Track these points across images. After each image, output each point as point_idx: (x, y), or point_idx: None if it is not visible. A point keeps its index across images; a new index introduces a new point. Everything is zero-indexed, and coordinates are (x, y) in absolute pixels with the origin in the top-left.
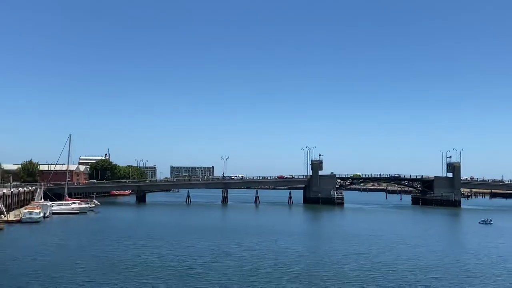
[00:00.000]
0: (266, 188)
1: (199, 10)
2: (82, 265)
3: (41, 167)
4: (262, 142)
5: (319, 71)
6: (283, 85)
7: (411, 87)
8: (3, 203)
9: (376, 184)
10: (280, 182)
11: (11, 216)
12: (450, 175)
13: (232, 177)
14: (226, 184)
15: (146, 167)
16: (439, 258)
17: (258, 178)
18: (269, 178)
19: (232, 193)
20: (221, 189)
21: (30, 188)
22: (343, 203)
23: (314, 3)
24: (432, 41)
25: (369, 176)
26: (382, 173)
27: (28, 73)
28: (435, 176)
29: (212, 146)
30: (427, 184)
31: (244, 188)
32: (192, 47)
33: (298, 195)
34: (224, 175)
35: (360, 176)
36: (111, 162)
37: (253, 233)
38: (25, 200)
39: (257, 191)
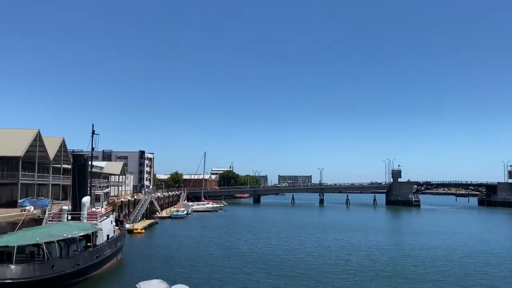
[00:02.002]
0: (354, 192)
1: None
2: (212, 252)
3: (184, 177)
4: (351, 154)
5: (390, 91)
6: (365, 106)
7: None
8: (158, 204)
9: (446, 189)
10: (366, 188)
11: (164, 213)
12: (511, 181)
13: (327, 184)
14: (322, 189)
15: (260, 176)
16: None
17: (347, 184)
18: (356, 184)
19: (327, 196)
20: (318, 193)
21: (176, 192)
22: (419, 205)
23: None
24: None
25: (441, 182)
26: (452, 180)
27: (183, 104)
28: (498, 182)
29: (310, 158)
30: (491, 188)
31: (336, 192)
32: (299, 65)
33: (380, 198)
34: (320, 182)
35: (432, 182)
36: (234, 172)
37: (346, 228)
38: (173, 201)
39: (347, 194)
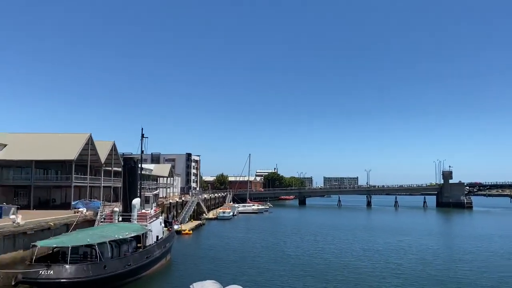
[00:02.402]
0: (403, 194)
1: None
2: (258, 253)
3: (229, 178)
4: (400, 155)
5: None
6: (415, 105)
7: None
8: (204, 205)
9: (500, 190)
10: (415, 189)
11: (210, 214)
12: None
13: (374, 185)
14: (370, 191)
15: (305, 178)
16: None
17: (396, 186)
18: (405, 186)
19: (374, 198)
20: (365, 195)
21: (222, 194)
22: (471, 207)
23: None
24: None
25: (494, 183)
26: (506, 181)
27: (228, 108)
28: None
29: (357, 160)
30: None
31: (384, 194)
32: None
33: (431, 200)
34: (368, 183)
35: (484, 183)
36: (279, 174)
37: (396, 231)
38: (219, 203)
39: (396, 196)
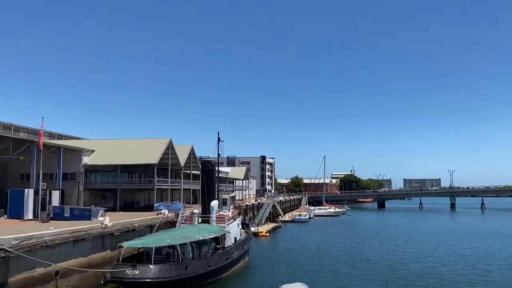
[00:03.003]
0: (490, 196)
1: None
2: (336, 257)
3: (304, 181)
4: (485, 155)
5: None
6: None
7: None
8: (280, 207)
9: None
10: (503, 190)
11: (286, 217)
12: None
13: (458, 187)
14: (453, 192)
15: (383, 180)
16: None
17: (482, 187)
18: (492, 187)
19: (458, 201)
20: (448, 197)
21: (297, 196)
22: None
23: None
24: None
25: None
26: None
27: (301, 110)
28: None
29: (438, 160)
30: None
31: (469, 196)
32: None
33: None
34: (451, 185)
35: None
36: (356, 176)
37: (484, 235)
38: (294, 205)
39: (482, 198)
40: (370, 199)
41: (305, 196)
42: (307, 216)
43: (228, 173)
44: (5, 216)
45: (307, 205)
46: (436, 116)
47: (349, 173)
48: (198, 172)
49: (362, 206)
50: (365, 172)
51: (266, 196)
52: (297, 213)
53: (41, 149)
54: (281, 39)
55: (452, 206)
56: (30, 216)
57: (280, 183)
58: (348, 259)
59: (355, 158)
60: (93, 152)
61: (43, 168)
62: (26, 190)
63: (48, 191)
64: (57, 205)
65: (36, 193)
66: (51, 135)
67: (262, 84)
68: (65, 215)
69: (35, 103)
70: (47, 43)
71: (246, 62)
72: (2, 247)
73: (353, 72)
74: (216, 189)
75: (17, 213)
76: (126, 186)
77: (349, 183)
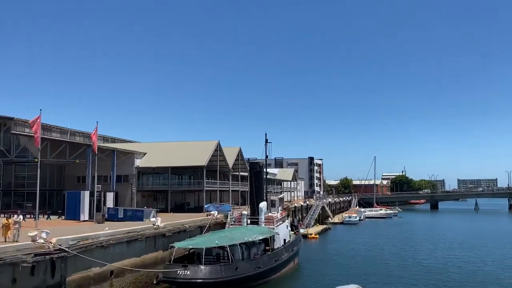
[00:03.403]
0: None
1: None
2: (387, 260)
3: (354, 182)
4: None
5: None
6: None
7: None
8: (329, 209)
9: None
10: None
11: (336, 218)
12: None
13: None
14: None
15: (436, 180)
16: None
17: None
18: None
19: None
20: (506, 198)
21: (347, 198)
22: None
23: None
24: None
25: None
26: None
27: (350, 110)
28: None
29: (494, 160)
30: None
31: None
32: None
33: None
34: (509, 185)
35: None
36: (407, 177)
37: None
38: (344, 207)
39: None
40: (422, 201)
41: (355, 198)
42: (358, 218)
43: (275, 174)
44: (63, 217)
45: (357, 207)
46: (489, 115)
47: (401, 174)
48: (246, 174)
49: (414, 208)
50: (417, 173)
51: (314, 198)
52: (347, 214)
53: (96, 153)
54: (330, 39)
55: (511, 207)
56: (86, 217)
57: (329, 185)
58: (400, 262)
59: (406, 159)
60: (145, 154)
61: (98, 170)
62: (82, 192)
63: (103, 192)
64: (112, 206)
65: (91, 195)
66: (105, 139)
67: (309, 85)
68: (119, 216)
69: (89, 107)
70: (105, 48)
71: (294, 64)
72: (60, 247)
73: (404, 68)
74: (265, 191)
75: (74, 214)
76: (177, 188)
77: (400, 184)
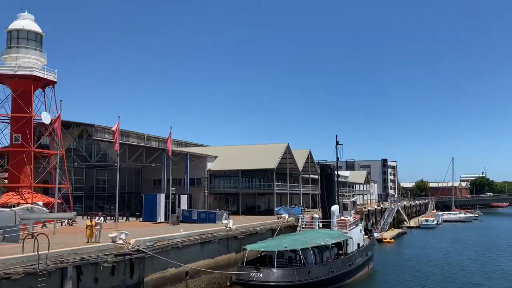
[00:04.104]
0: None
1: None
2: (467, 268)
3: (430, 184)
4: None
5: None
6: None
7: None
8: (405, 212)
9: None
10: None
11: (412, 222)
12: None
13: None
14: None
15: None
16: None
17: None
18: None
19: None
20: None
21: (423, 201)
22: None
23: None
24: None
25: None
26: None
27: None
28: None
29: None
30: None
31: None
32: None
33: None
34: None
35: None
36: (488, 178)
37: None
38: (420, 211)
39: None
40: (505, 203)
41: (431, 201)
42: (435, 222)
43: (347, 177)
44: (140, 219)
45: (434, 210)
46: None
47: (481, 175)
48: (317, 177)
49: (496, 211)
50: (499, 174)
51: (389, 201)
52: (423, 218)
53: (170, 156)
54: (398, 35)
55: None
56: (162, 219)
57: (403, 187)
58: (480, 269)
59: (487, 159)
60: (216, 158)
61: (172, 173)
62: (158, 194)
63: (177, 195)
64: (186, 208)
65: (166, 197)
66: (179, 143)
67: (381, 82)
68: (193, 218)
69: (163, 113)
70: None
71: (362, 62)
72: (138, 247)
73: (487, 62)
74: (336, 194)
75: (151, 216)
76: (247, 191)
77: (480, 186)
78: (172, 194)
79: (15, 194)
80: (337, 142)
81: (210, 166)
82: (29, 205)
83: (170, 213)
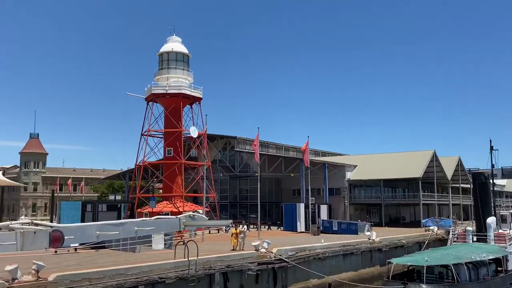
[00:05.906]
0: None
1: None
2: None
3: None
4: None
5: None
6: None
7: None
8: None
9: None
10: None
11: None
12: None
13: None
14: None
15: None
16: None
17: None
18: None
19: None
20: None
21: None
22: None
23: None
24: None
25: None
26: None
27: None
28: None
29: None
30: None
31: None
32: None
33: None
34: None
35: None
36: None
37: None
38: None
39: None
40: None
41: None
42: None
43: (504, 186)
44: (281, 228)
45: None
46: None
47: None
48: (468, 186)
49: None
50: None
51: None
52: None
53: (308, 166)
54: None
55: None
56: (302, 228)
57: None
58: None
59: None
60: (355, 167)
61: (311, 183)
62: (297, 204)
63: (316, 205)
64: (326, 218)
65: (306, 207)
66: (316, 153)
67: None
68: (333, 229)
69: (300, 124)
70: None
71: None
72: (280, 257)
73: None
74: (492, 204)
75: (291, 226)
76: (390, 201)
77: None
78: (311, 204)
79: (168, 203)
80: (491, 148)
81: (350, 175)
82: (191, 212)
83: (310, 223)
